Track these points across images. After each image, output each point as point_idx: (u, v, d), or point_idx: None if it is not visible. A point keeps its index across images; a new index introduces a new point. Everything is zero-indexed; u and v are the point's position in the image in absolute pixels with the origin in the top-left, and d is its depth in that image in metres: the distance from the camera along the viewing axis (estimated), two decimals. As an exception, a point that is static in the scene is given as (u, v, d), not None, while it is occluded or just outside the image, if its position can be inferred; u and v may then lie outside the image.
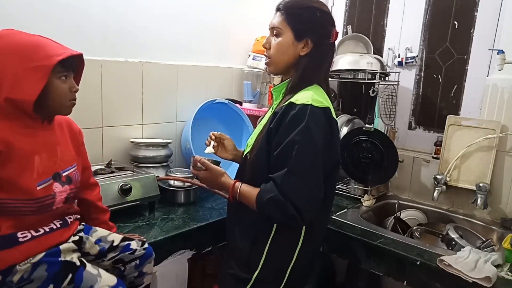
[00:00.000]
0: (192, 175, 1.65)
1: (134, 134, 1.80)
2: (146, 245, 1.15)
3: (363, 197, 1.83)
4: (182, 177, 1.61)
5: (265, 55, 1.19)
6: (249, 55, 2.21)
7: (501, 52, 1.53)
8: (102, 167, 1.49)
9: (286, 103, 1.08)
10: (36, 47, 0.91)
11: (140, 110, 1.82)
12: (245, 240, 1.15)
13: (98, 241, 1.09)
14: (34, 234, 0.95)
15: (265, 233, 1.13)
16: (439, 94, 1.96)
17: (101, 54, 1.63)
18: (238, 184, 1.13)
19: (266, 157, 1.10)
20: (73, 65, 1.00)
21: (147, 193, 1.47)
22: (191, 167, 1.25)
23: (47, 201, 0.96)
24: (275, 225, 1.12)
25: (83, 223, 1.12)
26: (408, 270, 1.31)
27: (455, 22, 1.88)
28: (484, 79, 1.74)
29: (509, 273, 1.22)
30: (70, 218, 1.06)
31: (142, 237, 1.24)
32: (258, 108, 2.18)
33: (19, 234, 0.92)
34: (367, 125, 1.81)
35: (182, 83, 1.96)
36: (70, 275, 0.94)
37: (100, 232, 1.12)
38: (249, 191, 1.10)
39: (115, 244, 1.10)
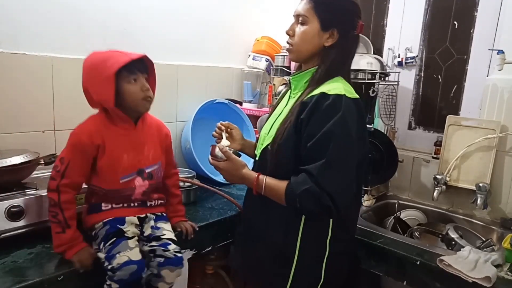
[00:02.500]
0: (192, 175, 1.65)
1: (134, 134, 1.80)
2: (179, 254, 1.17)
3: (363, 197, 1.83)
4: (182, 177, 1.61)
5: (287, 42, 1.16)
6: (249, 55, 2.21)
7: (501, 52, 1.53)
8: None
9: (318, 93, 1.05)
10: (103, 61, 1.08)
11: (140, 110, 1.82)
12: (277, 234, 1.13)
13: (155, 228, 1.21)
14: (114, 205, 1.16)
15: (294, 225, 1.11)
16: (439, 94, 1.96)
17: (101, 54, 1.63)
18: (262, 177, 1.10)
19: (293, 149, 1.07)
20: (141, 67, 1.14)
21: (147, 193, 1.47)
22: (209, 156, 1.21)
23: (127, 192, 1.17)
24: (303, 216, 1.11)
25: (163, 213, 1.28)
26: (408, 270, 1.31)
27: (455, 22, 1.88)
28: (484, 79, 1.74)
29: (509, 273, 1.22)
30: (151, 202, 1.23)
31: (195, 225, 1.36)
32: (258, 108, 2.18)
33: (103, 204, 1.15)
34: (367, 125, 1.81)
35: (182, 83, 1.97)
36: (114, 239, 1.10)
37: (165, 225, 1.24)
38: (276, 183, 1.07)
39: (162, 237, 1.19)
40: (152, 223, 1.22)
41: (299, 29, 1.12)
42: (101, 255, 1.08)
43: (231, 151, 1.17)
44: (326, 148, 0.99)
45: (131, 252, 1.08)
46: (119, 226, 1.14)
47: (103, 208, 1.15)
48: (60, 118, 1.53)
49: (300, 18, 1.11)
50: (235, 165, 1.15)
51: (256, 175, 1.11)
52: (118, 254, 1.06)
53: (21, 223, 1.14)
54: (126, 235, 1.12)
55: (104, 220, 1.14)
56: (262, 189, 1.09)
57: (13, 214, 1.12)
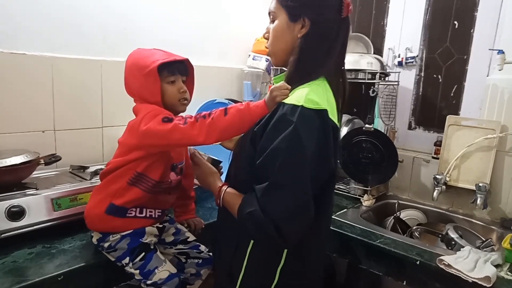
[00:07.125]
0: (192, 175, 1.65)
1: (134, 134, 1.80)
2: (210, 254, 1.27)
3: (363, 197, 1.83)
4: (182, 177, 1.61)
5: (266, 47, 1.05)
6: (249, 55, 2.21)
7: (501, 52, 1.53)
8: (102, 167, 1.49)
9: None
10: (146, 57, 1.08)
11: (140, 110, 1.82)
12: (227, 250, 1.03)
13: (176, 233, 1.26)
14: (138, 214, 1.14)
15: (244, 243, 0.99)
16: (439, 94, 1.96)
17: (101, 54, 1.63)
18: (224, 188, 1.00)
19: (247, 160, 0.95)
20: (182, 69, 1.15)
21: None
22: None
23: (164, 185, 1.15)
24: None
25: (169, 215, 1.31)
26: (408, 270, 1.31)
27: (455, 22, 1.88)
28: (484, 79, 1.74)
29: (508, 273, 1.22)
30: (166, 211, 1.24)
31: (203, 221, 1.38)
32: (258, 108, 2.18)
33: (128, 210, 1.11)
34: (367, 125, 1.82)
35: (182, 83, 1.96)
36: (144, 253, 1.10)
37: (182, 228, 1.30)
38: (233, 198, 0.96)
39: (188, 240, 1.26)
40: (172, 230, 1.26)
41: (271, 28, 1.00)
42: (133, 270, 1.08)
43: (206, 158, 1.11)
44: (273, 167, 0.85)
45: (168, 266, 1.12)
46: (141, 240, 1.12)
47: (127, 215, 1.11)
48: (60, 118, 1.53)
49: (271, 16, 1.00)
50: (203, 172, 1.08)
51: (220, 186, 1.01)
52: (156, 269, 1.09)
53: (21, 223, 1.14)
54: (151, 248, 1.13)
55: (122, 234, 1.11)
56: (220, 201, 1.00)
57: (13, 214, 1.12)
